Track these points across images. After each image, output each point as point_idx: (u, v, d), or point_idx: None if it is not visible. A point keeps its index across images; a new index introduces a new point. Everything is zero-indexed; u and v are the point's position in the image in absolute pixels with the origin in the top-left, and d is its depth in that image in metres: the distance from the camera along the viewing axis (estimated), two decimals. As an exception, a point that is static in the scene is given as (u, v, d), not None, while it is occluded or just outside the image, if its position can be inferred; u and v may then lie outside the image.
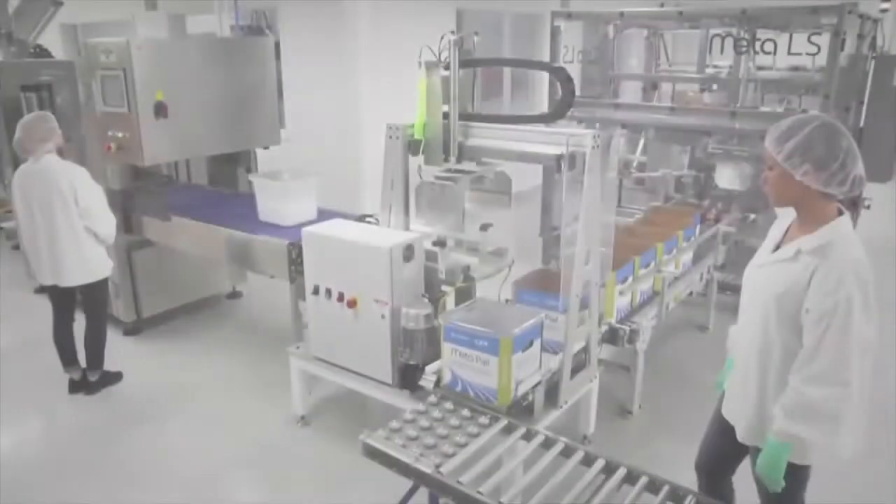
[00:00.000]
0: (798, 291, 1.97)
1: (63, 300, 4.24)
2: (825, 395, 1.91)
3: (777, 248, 2.16)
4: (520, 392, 2.82)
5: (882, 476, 3.47)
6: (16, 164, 4.12)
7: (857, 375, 1.91)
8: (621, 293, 3.76)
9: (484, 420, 2.70)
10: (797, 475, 2.14)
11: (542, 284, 3.43)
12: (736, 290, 5.35)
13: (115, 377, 4.45)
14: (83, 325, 4.31)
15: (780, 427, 2.02)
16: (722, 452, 2.51)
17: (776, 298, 2.04)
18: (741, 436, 2.29)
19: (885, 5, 7.19)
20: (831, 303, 1.88)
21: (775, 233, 2.22)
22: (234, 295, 5.90)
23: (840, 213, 2.03)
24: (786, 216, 2.19)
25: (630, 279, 3.84)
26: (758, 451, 2.17)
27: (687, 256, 4.54)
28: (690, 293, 4.61)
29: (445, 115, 3.37)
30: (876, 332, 1.92)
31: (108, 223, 4.10)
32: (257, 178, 4.63)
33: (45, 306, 4.31)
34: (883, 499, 3.36)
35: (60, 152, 4.05)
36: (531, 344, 2.86)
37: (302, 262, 3.60)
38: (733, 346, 2.42)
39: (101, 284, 4.23)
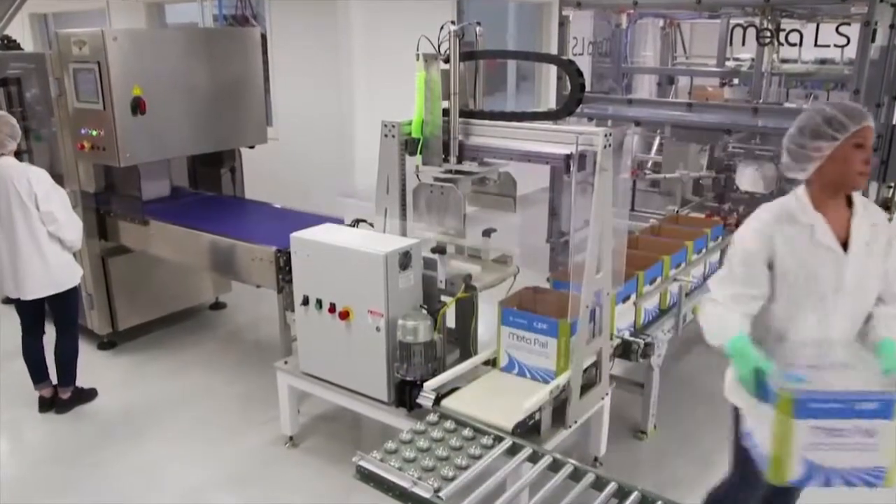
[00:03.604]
0: None
1: (31, 313, 4.25)
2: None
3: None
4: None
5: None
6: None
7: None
8: (621, 314, 3.65)
9: (487, 441, 2.71)
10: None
11: (531, 305, 3.41)
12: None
13: (89, 394, 4.46)
14: (55, 338, 4.31)
15: None
16: None
17: None
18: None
19: (920, -7, 7.22)
20: None
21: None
22: (218, 306, 5.92)
23: None
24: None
25: (633, 297, 3.79)
26: None
27: (709, 261, 4.55)
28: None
29: (445, 112, 3.39)
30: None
31: (73, 228, 4.11)
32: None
33: (13, 317, 4.33)
34: (886, 499, 3.39)
35: (19, 154, 4.07)
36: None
37: (290, 270, 3.62)
38: None
39: (70, 294, 4.22)
